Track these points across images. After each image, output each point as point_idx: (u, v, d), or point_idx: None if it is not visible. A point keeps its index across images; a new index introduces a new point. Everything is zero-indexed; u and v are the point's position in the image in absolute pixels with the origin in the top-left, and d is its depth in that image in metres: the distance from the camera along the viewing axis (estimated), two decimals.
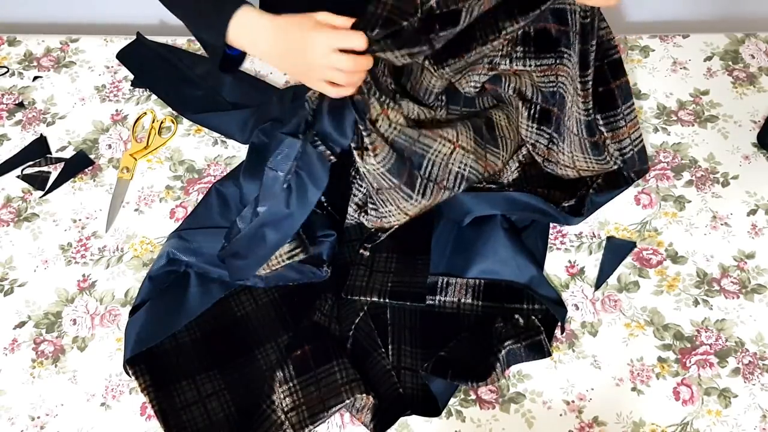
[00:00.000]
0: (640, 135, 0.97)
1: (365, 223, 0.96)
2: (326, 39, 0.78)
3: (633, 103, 0.95)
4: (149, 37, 1.19)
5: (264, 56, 0.85)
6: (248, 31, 0.83)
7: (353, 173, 0.96)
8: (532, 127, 0.98)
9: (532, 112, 0.97)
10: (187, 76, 1.14)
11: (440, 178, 0.91)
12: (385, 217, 0.92)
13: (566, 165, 0.97)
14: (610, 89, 0.92)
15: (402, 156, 0.88)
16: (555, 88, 0.95)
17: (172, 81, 1.14)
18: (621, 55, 0.92)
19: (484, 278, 0.93)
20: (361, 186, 0.96)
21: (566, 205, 0.96)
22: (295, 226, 0.87)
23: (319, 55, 0.78)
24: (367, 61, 0.79)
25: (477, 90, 0.98)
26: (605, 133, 0.94)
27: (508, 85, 0.98)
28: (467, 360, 0.87)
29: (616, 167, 0.96)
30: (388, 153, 0.87)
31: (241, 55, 0.89)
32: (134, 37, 1.20)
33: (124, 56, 1.18)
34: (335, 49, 0.78)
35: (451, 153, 0.92)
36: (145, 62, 1.17)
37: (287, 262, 0.90)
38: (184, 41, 1.20)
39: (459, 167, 0.92)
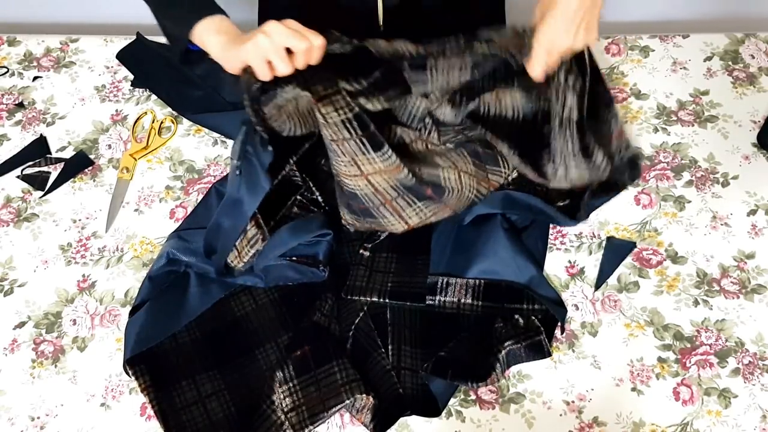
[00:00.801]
0: (629, 143, 0.96)
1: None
2: (291, 21, 0.79)
3: (616, 111, 0.94)
4: (149, 37, 1.19)
5: (214, 55, 0.86)
6: (210, 33, 0.85)
7: None
8: (515, 158, 0.95)
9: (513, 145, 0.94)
10: (187, 76, 1.14)
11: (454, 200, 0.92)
12: (383, 225, 0.93)
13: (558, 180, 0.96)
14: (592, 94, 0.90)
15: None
16: (538, 106, 0.92)
17: (172, 81, 1.14)
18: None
19: (484, 278, 0.93)
20: None
21: (561, 204, 0.96)
22: (248, 212, 0.87)
23: (272, 27, 0.78)
24: (316, 51, 0.79)
25: (458, 118, 0.95)
26: (593, 141, 0.91)
27: (487, 112, 0.95)
28: (467, 360, 0.87)
29: (606, 175, 0.95)
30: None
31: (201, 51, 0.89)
32: (134, 37, 1.20)
33: (124, 56, 1.18)
34: (294, 29, 0.79)
35: (459, 177, 0.92)
36: (145, 62, 1.17)
37: (252, 250, 0.90)
38: None
39: (470, 190, 0.93)
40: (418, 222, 0.91)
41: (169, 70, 1.14)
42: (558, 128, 0.88)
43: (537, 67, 0.83)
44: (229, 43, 0.84)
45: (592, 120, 0.89)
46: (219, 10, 0.88)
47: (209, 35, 0.86)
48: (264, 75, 0.81)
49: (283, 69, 0.80)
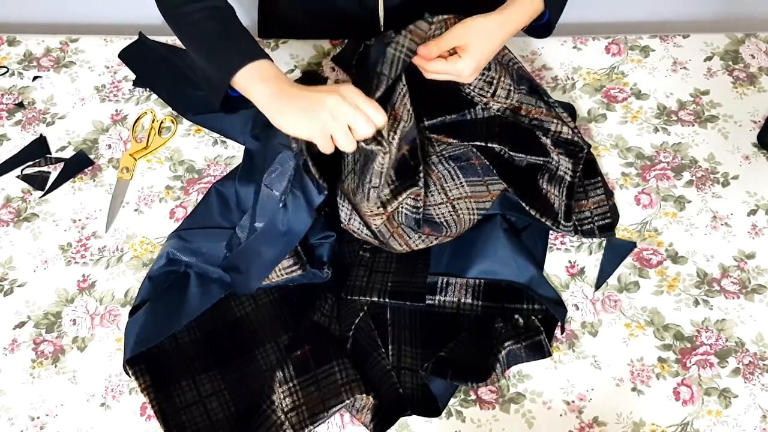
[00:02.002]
0: (605, 214, 0.98)
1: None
2: (352, 93, 0.77)
3: (598, 181, 1.00)
4: (151, 37, 1.19)
5: (259, 105, 0.83)
6: (255, 81, 0.82)
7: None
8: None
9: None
10: (189, 76, 1.14)
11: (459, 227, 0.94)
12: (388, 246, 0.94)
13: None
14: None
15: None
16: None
17: (173, 81, 1.14)
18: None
19: (484, 278, 0.93)
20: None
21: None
22: (292, 245, 0.87)
23: (336, 105, 0.76)
24: (378, 121, 0.78)
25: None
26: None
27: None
28: (467, 360, 0.87)
29: (573, 235, 0.96)
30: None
31: (242, 98, 0.86)
32: (134, 37, 1.20)
33: (125, 56, 1.18)
34: (355, 105, 0.77)
35: (453, 209, 0.94)
36: (147, 62, 1.17)
37: (285, 276, 0.90)
38: None
39: (468, 213, 0.94)
40: (424, 247, 0.93)
41: (171, 70, 1.14)
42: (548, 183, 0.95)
43: (429, 70, 0.87)
44: (277, 96, 0.80)
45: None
46: (263, 54, 0.83)
47: (254, 83, 0.81)
48: (327, 149, 0.79)
49: (348, 147, 0.78)
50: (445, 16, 0.90)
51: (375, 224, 0.90)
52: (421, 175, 0.89)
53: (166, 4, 0.92)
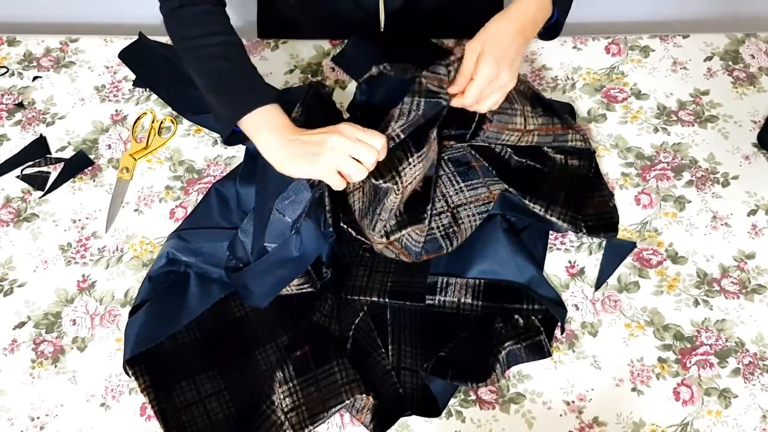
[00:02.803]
0: (609, 213, 0.98)
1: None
2: (349, 129, 0.80)
3: (601, 183, 1.00)
4: (151, 37, 1.19)
5: (265, 153, 0.85)
6: (261, 129, 0.85)
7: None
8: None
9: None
10: (189, 77, 1.13)
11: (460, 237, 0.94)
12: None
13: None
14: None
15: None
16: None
17: (173, 81, 1.14)
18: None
19: (484, 278, 0.93)
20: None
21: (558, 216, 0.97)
22: (304, 268, 0.89)
23: (336, 141, 0.79)
24: (381, 151, 0.80)
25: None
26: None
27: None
28: (467, 360, 0.87)
29: (576, 232, 0.96)
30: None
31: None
32: (134, 37, 1.20)
33: (125, 56, 1.18)
34: (355, 138, 0.79)
35: (454, 218, 0.94)
36: (147, 62, 1.17)
37: (296, 292, 0.91)
38: None
39: (469, 221, 0.94)
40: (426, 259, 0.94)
41: (171, 70, 1.14)
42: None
43: (471, 101, 0.86)
44: (282, 147, 0.83)
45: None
46: (270, 98, 0.86)
47: (260, 131, 0.84)
48: (339, 185, 0.81)
49: (358, 177, 0.80)
50: (456, 56, 0.88)
51: (377, 248, 0.92)
52: (429, 213, 0.90)
53: (178, 35, 0.93)
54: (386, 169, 0.84)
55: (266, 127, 0.84)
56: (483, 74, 0.84)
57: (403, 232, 0.89)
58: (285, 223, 0.87)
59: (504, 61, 0.85)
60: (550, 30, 0.96)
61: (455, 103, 0.86)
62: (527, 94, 0.99)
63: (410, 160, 0.85)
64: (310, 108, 0.95)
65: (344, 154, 0.79)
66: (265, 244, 0.88)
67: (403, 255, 0.92)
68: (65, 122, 1.12)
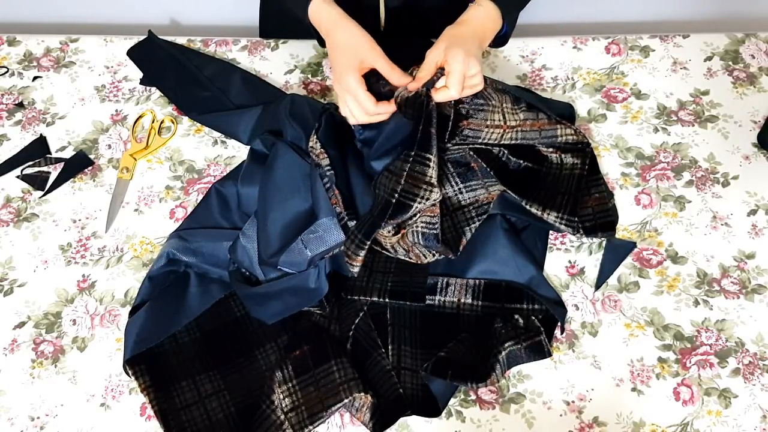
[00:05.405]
0: (607, 211, 0.98)
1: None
2: (354, 86, 0.89)
3: (600, 179, 1.00)
4: (160, 36, 1.19)
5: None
6: (318, 22, 0.97)
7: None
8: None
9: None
10: (196, 76, 1.14)
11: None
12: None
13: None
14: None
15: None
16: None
17: (180, 81, 1.14)
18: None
19: (484, 278, 0.93)
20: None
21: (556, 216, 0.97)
22: (317, 298, 0.90)
23: (344, 86, 0.88)
24: (380, 110, 0.89)
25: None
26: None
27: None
28: (467, 361, 0.87)
29: (574, 233, 0.95)
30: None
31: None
32: (134, 37, 1.20)
33: (134, 54, 1.18)
34: (354, 96, 0.88)
35: (452, 222, 0.94)
36: (155, 61, 1.16)
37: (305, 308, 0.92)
38: (184, 40, 1.20)
39: (468, 223, 0.94)
40: (433, 260, 0.94)
41: (178, 70, 1.14)
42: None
43: (440, 94, 0.90)
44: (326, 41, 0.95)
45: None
46: None
47: (317, 22, 0.96)
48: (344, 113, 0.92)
49: (352, 120, 0.92)
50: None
51: (390, 243, 0.92)
52: (438, 186, 0.90)
53: None
54: (418, 187, 0.87)
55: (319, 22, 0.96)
56: (457, 61, 0.87)
57: (414, 218, 0.89)
58: (304, 255, 0.88)
59: (470, 54, 0.88)
60: (499, 40, 1.03)
61: (440, 97, 0.88)
62: (508, 92, 0.99)
63: (430, 164, 0.87)
64: (325, 135, 0.95)
65: (344, 100, 0.91)
66: (281, 266, 0.90)
67: (415, 256, 0.92)
68: (65, 122, 1.12)
